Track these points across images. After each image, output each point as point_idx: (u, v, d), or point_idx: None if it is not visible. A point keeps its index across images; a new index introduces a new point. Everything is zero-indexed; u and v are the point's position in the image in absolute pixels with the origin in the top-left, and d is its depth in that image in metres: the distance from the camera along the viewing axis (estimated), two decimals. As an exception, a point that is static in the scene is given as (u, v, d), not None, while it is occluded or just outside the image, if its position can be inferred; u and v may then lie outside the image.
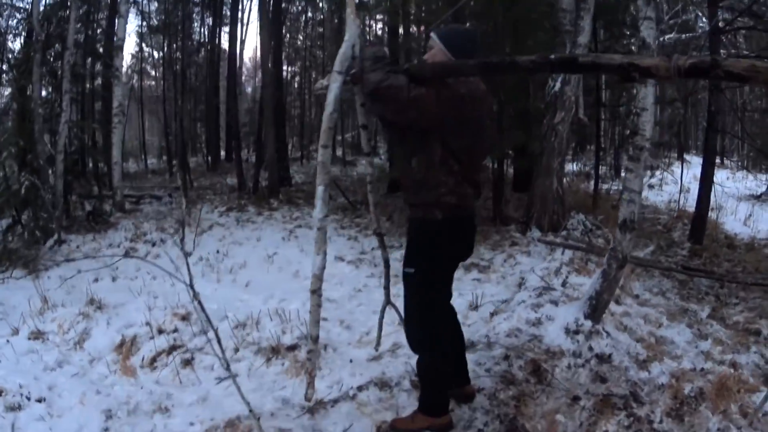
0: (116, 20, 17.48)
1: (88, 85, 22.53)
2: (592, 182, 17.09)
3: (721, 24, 12.55)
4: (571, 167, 20.92)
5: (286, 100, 34.51)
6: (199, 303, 4.12)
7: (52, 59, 15.20)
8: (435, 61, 4.29)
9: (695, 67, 2.47)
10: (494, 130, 4.98)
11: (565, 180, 13.48)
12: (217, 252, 11.93)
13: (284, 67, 33.05)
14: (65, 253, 12.10)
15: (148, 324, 7.22)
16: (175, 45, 29.81)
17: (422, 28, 18.51)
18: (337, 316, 7.99)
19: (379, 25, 32.53)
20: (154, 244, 12.70)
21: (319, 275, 4.05)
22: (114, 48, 16.66)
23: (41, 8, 14.53)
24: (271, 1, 21.86)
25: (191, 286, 4.08)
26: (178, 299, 8.10)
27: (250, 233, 13.79)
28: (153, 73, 36.55)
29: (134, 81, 37.77)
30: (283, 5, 30.62)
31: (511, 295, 8.22)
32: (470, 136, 4.20)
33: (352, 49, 3.95)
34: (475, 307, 8.05)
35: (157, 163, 36.38)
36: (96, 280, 10.16)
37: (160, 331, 7.12)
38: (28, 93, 13.33)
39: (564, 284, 8.10)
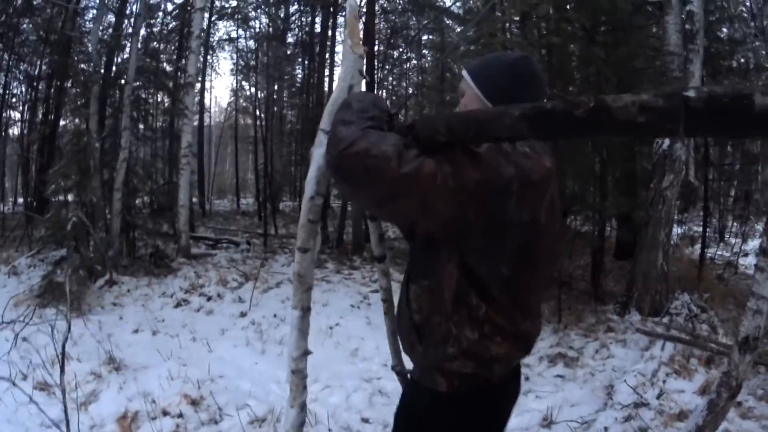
0: (187, 56, 16.66)
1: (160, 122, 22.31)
2: (697, 247, 15.54)
3: None
4: (675, 230, 19.39)
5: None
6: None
7: (117, 93, 14.55)
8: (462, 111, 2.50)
9: None
10: (563, 235, 2.43)
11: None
12: (274, 316, 10.60)
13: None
14: (115, 295, 11.48)
15: (153, 402, 6.33)
16: (276, 85, 29.59)
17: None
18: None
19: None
20: (209, 299, 11.70)
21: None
22: (183, 85, 15.83)
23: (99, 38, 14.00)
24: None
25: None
26: (207, 371, 7.28)
27: (318, 295, 11.90)
28: (257, 112, 36.36)
29: (232, 118, 38.49)
30: (386, 51, 30.17)
31: (595, 410, 6.71)
32: (516, 253, 2.30)
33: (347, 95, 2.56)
34: (548, 423, 6.45)
35: (252, 204, 36.06)
36: (136, 330, 9.60)
37: (165, 413, 6.21)
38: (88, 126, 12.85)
39: (660, 395, 6.69)
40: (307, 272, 2.55)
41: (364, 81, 2.77)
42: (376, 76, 25.97)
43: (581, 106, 1.65)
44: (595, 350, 9.08)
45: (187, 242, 14.96)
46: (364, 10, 20.64)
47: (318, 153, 2.49)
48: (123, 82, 13.66)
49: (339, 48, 24.28)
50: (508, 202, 2.17)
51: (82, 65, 19.14)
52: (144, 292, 11.78)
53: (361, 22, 25.10)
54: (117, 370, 7.31)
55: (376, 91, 24.48)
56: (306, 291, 2.56)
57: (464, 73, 2.61)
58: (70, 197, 12.33)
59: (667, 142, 10.40)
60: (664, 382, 7.12)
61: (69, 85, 21.76)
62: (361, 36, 2.84)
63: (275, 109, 29.45)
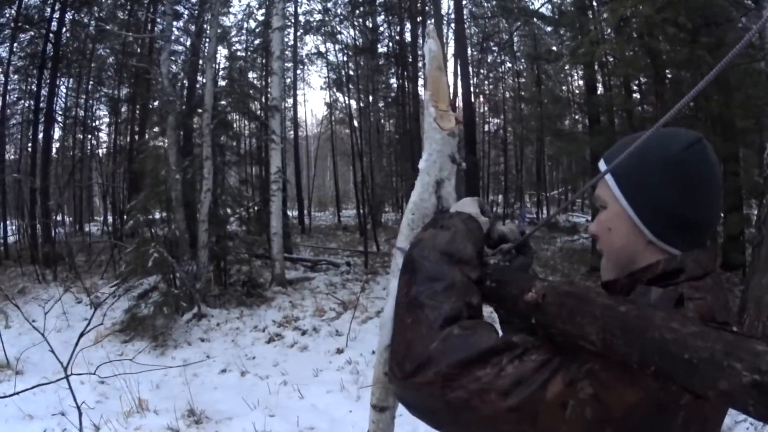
0: (270, 78, 16.32)
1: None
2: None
3: None
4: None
5: (488, 153, 33.80)
6: None
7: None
8: (614, 255, 1.63)
9: None
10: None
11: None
12: (372, 353, 9.27)
13: (489, 120, 32.61)
14: (203, 329, 11.12)
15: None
16: (371, 96, 29.36)
17: (621, 80, 16.24)
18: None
19: (576, 82, 31.07)
20: (304, 333, 11.11)
21: None
22: (269, 108, 15.40)
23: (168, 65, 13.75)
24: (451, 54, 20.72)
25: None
26: (297, 423, 6.87)
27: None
28: (353, 122, 36.33)
29: (328, 129, 38.82)
30: (480, 55, 29.82)
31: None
32: None
33: (435, 197, 1.77)
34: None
35: (353, 216, 35.89)
36: (224, 370, 9.19)
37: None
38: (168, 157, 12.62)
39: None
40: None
41: (457, 168, 1.83)
42: (474, 94, 25.27)
43: None
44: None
45: (282, 270, 14.57)
46: (453, 16, 20.09)
47: (396, 284, 1.65)
48: (200, 110, 13.34)
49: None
50: (673, 422, 1.33)
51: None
52: (234, 325, 11.41)
53: (450, 52, 24.07)
54: (197, 423, 6.93)
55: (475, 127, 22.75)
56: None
57: (603, 166, 1.64)
58: (153, 229, 12.30)
59: (776, 151, 9.52)
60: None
61: (153, 106, 22.06)
62: (451, 98, 1.86)
63: (371, 120, 29.13)
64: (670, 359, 1.08)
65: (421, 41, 24.97)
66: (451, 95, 18.12)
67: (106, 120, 27.13)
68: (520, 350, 1.32)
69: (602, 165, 1.63)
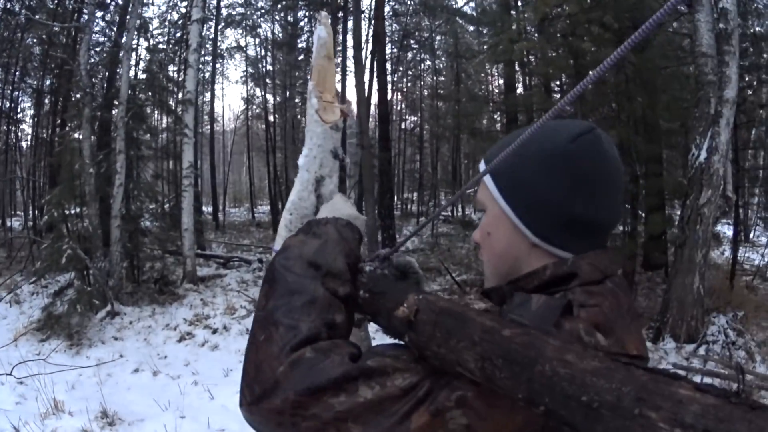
0: (186, 71, 16.02)
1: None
2: (723, 248, 14.73)
3: None
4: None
5: (404, 150, 33.96)
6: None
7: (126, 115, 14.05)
8: (495, 261, 1.47)
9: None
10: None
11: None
12: None
13: (406, 118, 32.71)
14: (117, 328, 11.00)
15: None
16: (288, 92, 29.29)
17: (541, 79, 16.39)
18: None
19: (496, 81, 31.42)
20: (215, 332, 11.09)
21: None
22: (182, 102, 15.15)
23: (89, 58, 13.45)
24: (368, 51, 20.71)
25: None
26: (207, 424, 6.86)
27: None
28: (269, 118, 35.98)
29: (244, 124, 38.57)
30: (399, 53, 29.88)
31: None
32: None
33: (314, 196, 1.72)
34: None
35: (268, 212, 35.58)
36: (137, 370, 9.14)
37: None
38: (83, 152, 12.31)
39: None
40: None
41: (341, 164, 1.76)
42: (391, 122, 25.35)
43: None
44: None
45: (193, 267, 14.52)
46: (372, 14, 20.05)
47: None
48: (117, 102, 13.08)
49: (350, 53, 23.18)
50: None
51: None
52: (147, 323, 11.33)
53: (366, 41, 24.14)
54: (110, 425, 6.91)
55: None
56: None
57: (484, 167, 1.48)
58: (69, 225, 12.08)
59: (704, 153, 9.66)
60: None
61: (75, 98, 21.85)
62: (337, 89, 1.78)
63: (287, 115, 29.05)
64: (563, 400, 0.93)
65: (340, 37, 24.91)
66: (367, 92, 17.97)
67: (30, 112, 26.62)
68: (379, 375, 1.19)
69: (482, 166, 1.48)
